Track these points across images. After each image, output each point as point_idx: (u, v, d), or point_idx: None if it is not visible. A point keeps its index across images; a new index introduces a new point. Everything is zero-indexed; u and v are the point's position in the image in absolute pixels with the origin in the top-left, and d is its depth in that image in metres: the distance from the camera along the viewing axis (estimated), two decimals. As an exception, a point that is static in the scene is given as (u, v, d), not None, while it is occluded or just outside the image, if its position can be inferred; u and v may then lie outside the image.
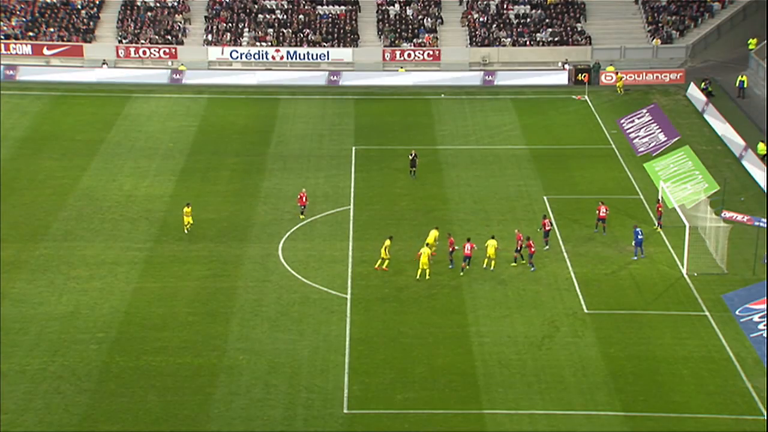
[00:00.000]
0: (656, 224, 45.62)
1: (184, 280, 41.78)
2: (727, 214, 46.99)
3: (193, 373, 35.57)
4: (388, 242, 42.32)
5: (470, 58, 68.90)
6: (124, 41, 69.82)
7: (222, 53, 68.68)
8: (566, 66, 67.50)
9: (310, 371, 35.73)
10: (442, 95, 65.22)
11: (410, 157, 52.23)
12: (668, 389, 34.80)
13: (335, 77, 66.92)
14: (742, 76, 63.58)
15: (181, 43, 70.09)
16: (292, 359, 36.42)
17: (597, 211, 45.31)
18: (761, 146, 54.04)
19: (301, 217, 44.60)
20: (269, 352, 36.85)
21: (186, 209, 45.06)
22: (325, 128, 59.54)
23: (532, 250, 41.97)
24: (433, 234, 42.90)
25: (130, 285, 41.36)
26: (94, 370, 35.60)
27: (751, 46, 67.61)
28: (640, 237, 42.61)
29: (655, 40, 69.61)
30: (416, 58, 68.79)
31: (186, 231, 44.75)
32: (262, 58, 68.69)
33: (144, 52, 68.89)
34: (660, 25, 70.38)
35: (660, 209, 45.70)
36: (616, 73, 64.36)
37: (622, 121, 55.57)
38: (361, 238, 45.24)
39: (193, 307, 39.78)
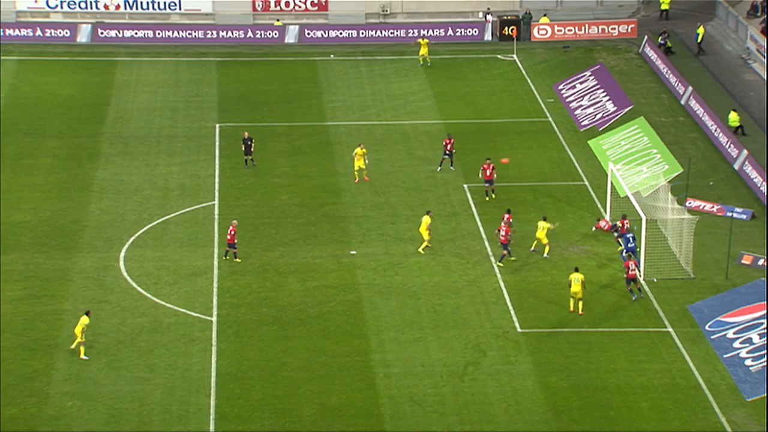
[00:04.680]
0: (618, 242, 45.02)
1: (-9, 303, 40.97)
2: (693, 203, 48.27)
3: (2, 427, 34.74)
4: (427, 219, 44.42)
5: (366, 9, 69.16)
6: None
7: (36, 2, 67.70)
8: (489, 17, 68.33)
9: (164, 419, 35.39)
10: (332, 56, 65.33)
11: (244, 141, 51.36)
12: (623, 426, 35.54)
13: (189, 33, 66.64)
14: (699, 28, 65.38)
15: (-19, -13, 68.52)
16: (139, 404, 36.03)
17: (483, 171, 48.51)
18: (733, 116, 55.75)
19: (237, 260, 43.70)
20: (108, 395, 36.39)
21: (83, 319, 37.95)
22: (180, 100, 59.19)
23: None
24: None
25: None
26: None
27: (663, 6, 69.57)
28: (631, 244, 43.01)
29: (600, -17, 71.11)
30: (296, 8, 68.74)
31: (82, 357, 37.89)
32: (91, 7, 67.86)
33: (-73, 0, 67.29)
34: (605, -36, 71.87)
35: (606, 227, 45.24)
36: (423, 39, 63.87)
37: (560, 86, 56.47)
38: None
39: (3, 339, 39.03)
